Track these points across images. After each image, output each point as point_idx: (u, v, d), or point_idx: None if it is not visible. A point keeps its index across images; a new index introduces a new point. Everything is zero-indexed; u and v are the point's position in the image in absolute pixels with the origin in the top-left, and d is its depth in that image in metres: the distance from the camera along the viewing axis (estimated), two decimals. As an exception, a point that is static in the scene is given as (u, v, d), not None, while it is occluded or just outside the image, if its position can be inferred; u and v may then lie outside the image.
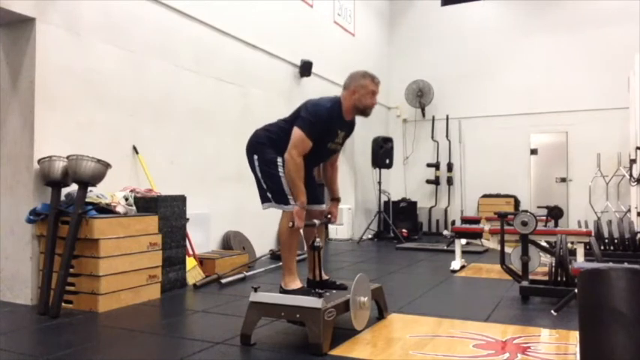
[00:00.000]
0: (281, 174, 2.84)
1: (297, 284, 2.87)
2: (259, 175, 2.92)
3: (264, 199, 2.94)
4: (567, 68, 8.75)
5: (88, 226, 3.46)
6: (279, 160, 2.85)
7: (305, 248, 3.14)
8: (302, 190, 2.78)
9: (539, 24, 9.00)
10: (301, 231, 3.04)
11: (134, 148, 4.42)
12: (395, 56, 10.04)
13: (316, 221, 2.90)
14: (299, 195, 2.77)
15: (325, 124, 2.85)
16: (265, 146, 2.92)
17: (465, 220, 7.38)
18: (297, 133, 2.80)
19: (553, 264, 3.74)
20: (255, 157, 2.93)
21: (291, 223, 2.76)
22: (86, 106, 4.02)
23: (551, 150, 8.92)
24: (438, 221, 9.49)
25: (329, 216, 3.11)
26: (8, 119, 3.75)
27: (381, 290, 3.28)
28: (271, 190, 2.88)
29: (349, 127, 3.07)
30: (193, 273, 4.39)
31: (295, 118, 2.88)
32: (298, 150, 2.78)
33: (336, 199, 3.19)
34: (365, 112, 3.00)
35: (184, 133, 5.00)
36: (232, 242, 5.39)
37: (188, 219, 4.37)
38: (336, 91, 3.19)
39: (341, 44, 8.08)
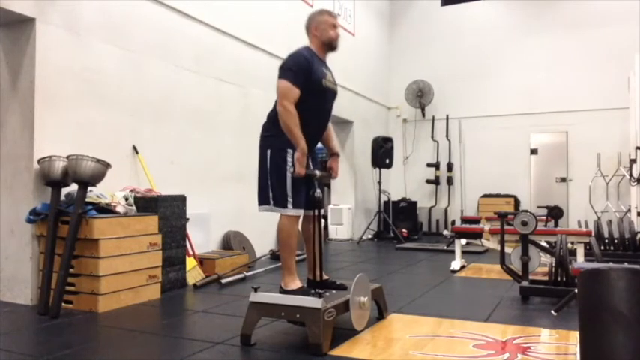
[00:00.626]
0: (287, 173, 2.81)
1: (297, 284, 2.87)
2: (268, 169, 2.87)
3: (262, 201, 2.90)
4: (567, 68, 8.76)
5: (88, 226, 3.46)
6: (289, 153, 2.82)
7: (304, 248, 3.14)
8: (300, 136, 2.78)
9: (539, 24, 9.00)
10: (300, 230, 3.04)
11: (134, 148, 4.42)
12: (395, 56, 10.05)
13: (317, 172, 2.87)
14: (298, 141, 2.77)
15: (307, 66, 2.88)
16: (274, 138, 2.88)
17: (464, 220, 7.38)
18: (281, 83, 2.85)
19: (553, 264, 3.74)
20: (269, 151, 2.90)
21: (292, 169, 2.77)
22: (86, 106, 4.02)
23: (551, 150, 8.92)
24: (438, 221, 9.49)
25: (331, 172, 3.16)
26: (8, 119, 3.76)
27: (381, 290, 3.28)
28: (273, 189, 2.85)
29: (330, 70, 3.12)
30: (193, 273, 4.39)
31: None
32: (287, 98, 2.81)
33: (335, 154, 3.22)
34: (331, 45, 3.08)
35: (184, 133, 5.00)
36: (232, 242, 5.39)
37: (188, 219, 4.37)
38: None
39: (341, 44, 8.05)
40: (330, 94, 3.05)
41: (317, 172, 2.87)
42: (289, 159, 2.83)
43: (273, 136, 2.89)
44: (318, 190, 2.82)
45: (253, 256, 5.49)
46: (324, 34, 3.04)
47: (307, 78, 2.86)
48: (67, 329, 3.06)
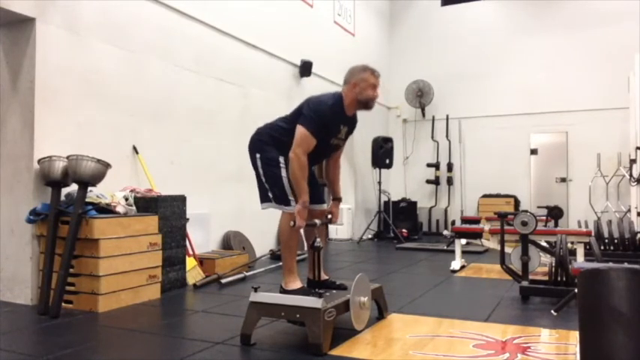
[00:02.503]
0: (283, 174, 2.84)
1: (297, 284, 2.87)
2: (261, 173, 2.92)
3: (263, 199, 2.94)
4: (567, 68, 8.75)
5: (88, 226, 3.46)
6: (282, 159, 2.85)
7: (305, 248, 3.14)
8: (305, 189, 2.77)
9: (539, 24, 9.00)
10: (301, 230, 3.04)
11: (134, 148, 4.42)
12: (395, 56, 10.04)
13: (317, 221, 2.89)
14: (302, 194, 2.76)
15: (328, 120, 2.85)
16: (268, 145, 2.91)
17: (464, 220, 7.37)
18: (301, 131, 2.79)
19: (553, 264, 3.74)
20: (258, 155, 2.93)
21: (292, 223, 2.75)
22: (86, 106, 4.02)
23: (551, 150, 8.92)
24: (438, 221, 9.49)
25: (330, 216, 3.10)
26: (8, 119, 3.75)
27: (381, 290, 3.28)
28: (272, 190, 2.88)
29: (351, 123, 3.07)
30: (193, 273, 4.39)
31: (298, 117, 2.86)
32: (303, 148, 2.77)
33: (337, 199, 3.18)
34: (367, 105, 2.98)
35: (184, 133, 5.00)
36: (232, 242, 5.39)
37: (188, 219, 4.37)
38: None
39: (341, 44, 8.07)
40: (332, 149, 3.04)
41: (317, 222, 2.88)
42: (282, 163, 2.85)
43: (268, 143, 2.91)
44: (318, 240, 2.85)
45: (253, 256, 5.49)
46: (362, 93, 2.93)
47: (321, 130, 2.84)
48: (67, 329, 3.06)
